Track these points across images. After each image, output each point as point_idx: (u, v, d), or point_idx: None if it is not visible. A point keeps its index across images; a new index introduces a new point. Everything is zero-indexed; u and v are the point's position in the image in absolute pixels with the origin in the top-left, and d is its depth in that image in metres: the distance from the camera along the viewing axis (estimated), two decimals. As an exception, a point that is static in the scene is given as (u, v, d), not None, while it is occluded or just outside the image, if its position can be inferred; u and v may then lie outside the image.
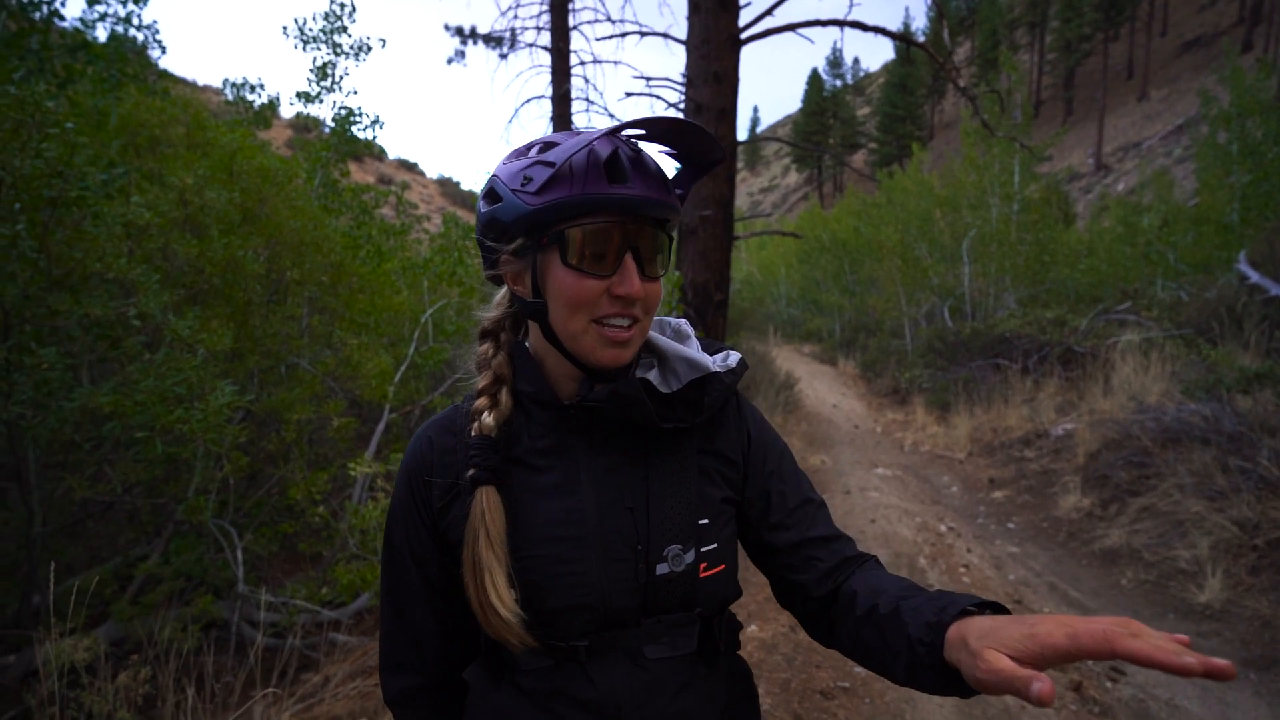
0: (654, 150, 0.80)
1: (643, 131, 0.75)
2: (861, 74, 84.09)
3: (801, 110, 67.97)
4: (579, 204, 0.71)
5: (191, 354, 3.02)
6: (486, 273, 0.85)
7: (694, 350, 0.87)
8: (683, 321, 0.93)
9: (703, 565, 0.80)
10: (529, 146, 0.80)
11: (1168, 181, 15.66)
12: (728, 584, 0.84)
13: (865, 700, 2.69)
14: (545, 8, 10.00)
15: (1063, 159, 37.48)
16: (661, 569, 0.78)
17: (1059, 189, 14.79)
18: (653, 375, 0.85)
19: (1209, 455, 4.31)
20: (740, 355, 0.89)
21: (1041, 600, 3.80)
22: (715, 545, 0.82)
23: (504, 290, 0.90)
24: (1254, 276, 7.44)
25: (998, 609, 0.67)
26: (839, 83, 66.66)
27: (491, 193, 0.79)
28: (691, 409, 0.82)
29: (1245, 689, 2.98)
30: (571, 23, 10.14)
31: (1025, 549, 4.56)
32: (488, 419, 0.81)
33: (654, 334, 0.89)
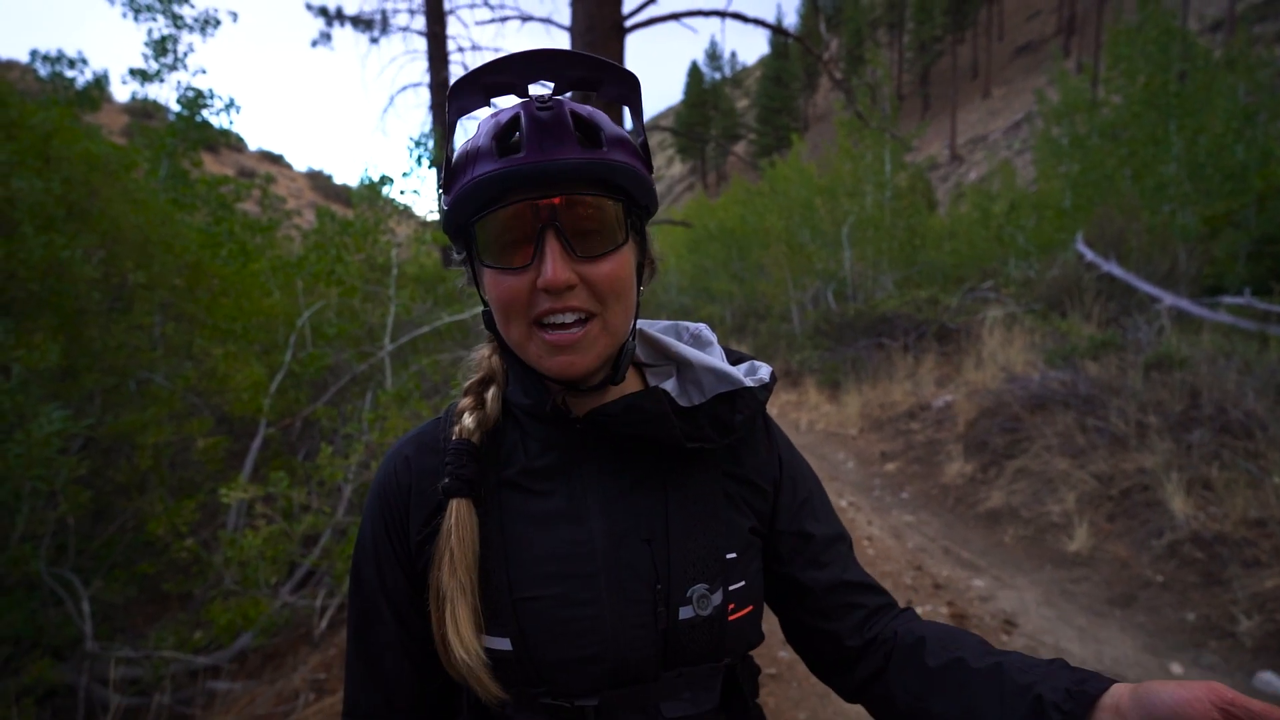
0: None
1: (550, 84, 0.64)
2: (739, 67, 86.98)
3: (683, 102, 69.31)
4: (475, 192, 0.61)
5: (4, 375, 2.52)
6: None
7: (720, 360, 0.75)
8: (702, 326, 0.81)
9: (730, 606, 0.69)
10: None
11: (1011, 171, 17.36)
12: (755, 628, 0.74)
13: (792, 684, 2.71)
14: (419, -11, 9.48)
15: (924, 150, 40.69)
16: (685, 612, 0.67)
17: (923, 177, 15.99)
18: (670, 385, 0.73)
19: (1069, 417, 4.76)
20: (771, 368, 0.77)
21: (938, 564, 4.04)
22: (744, 583, 0.71)
23: None
24: (1089, 255, 8.36)
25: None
26: (718, 75, 68.55)
27: None
28: (720, 428, 0.70)
29: (1113, 626, 3.30)
30: (447, 6, 9.65)
31: (919, 516, 4.85)
32: (468, 420, 0.70)
33: (669, 339, 0.77)
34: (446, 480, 0.67)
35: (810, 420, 8.27)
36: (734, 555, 0.70)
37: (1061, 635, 3.22)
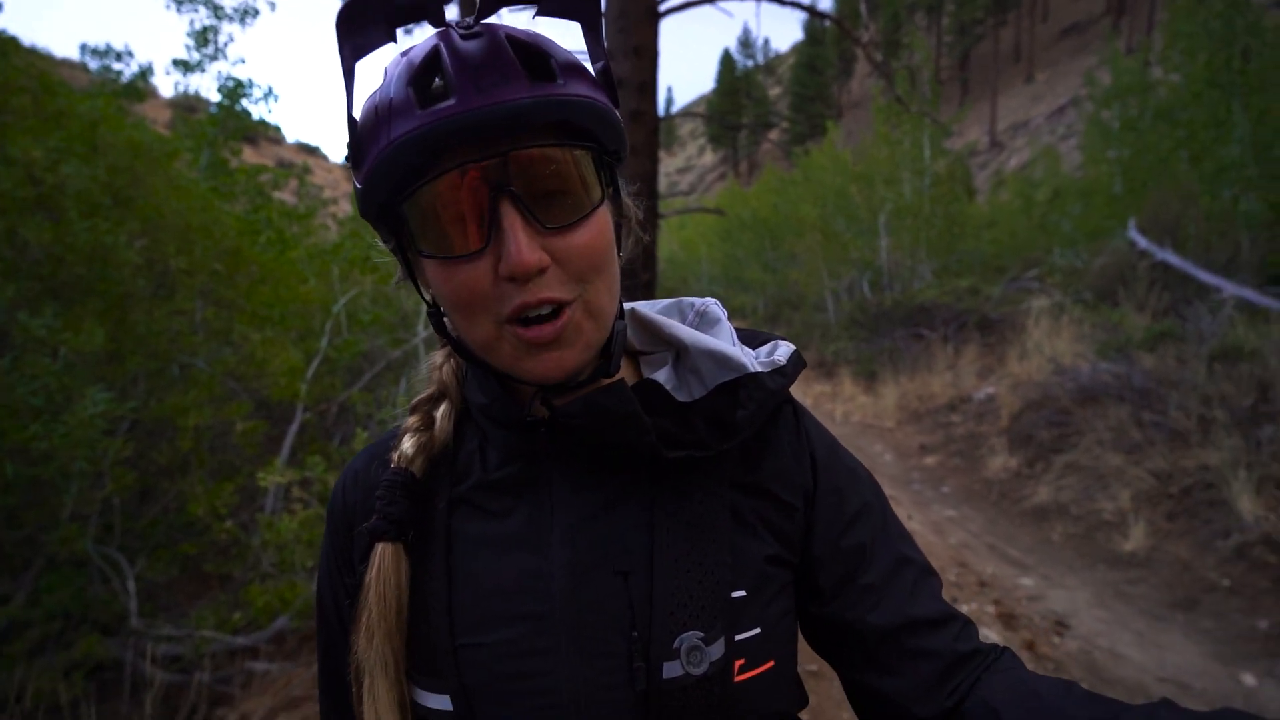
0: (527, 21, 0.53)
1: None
2: (772, 55, 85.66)
3: (715, 90, 68.58)
4: (394, 160, 0.46)
5: (51, 357, 2.56)
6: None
7: (725, 341, 0.59)
8: (710, 301, 0.65)
9: (739, 663, 0.53)
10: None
11: (1055, 156, 16.75)
12: (780, 690, 0.56)
13: (834, 681, 2.63)
14: (452, -24, 9.49)
15: (962, 136, 39.59)
16: (670, 669, 0.51)
17: (963, 164, 15.52)
18: (663, 375, 0.58)
19: (1123, 411, 4.55)
20: (794, 348, 0.61)
21: (983, 561, 3.90)
22: (758, 630, 0.54)
23: None
24: (1143, 243, 8.00)
25: None
26: (750, 63, 67.58)
27: None
28: (718, 430, 0.55)
29: (1174, 631, 3.14)
30: (481, -7, 9.65)
31: (961, 511, 4.70)
32: (408, 445, 0.58)
33: (663, 319, 0.61)
34: (373, 520, 0.55)
35: (845, 411, 8.10)
36: (743, 594, 0.54)
37: (1117, 639, 3.07)
